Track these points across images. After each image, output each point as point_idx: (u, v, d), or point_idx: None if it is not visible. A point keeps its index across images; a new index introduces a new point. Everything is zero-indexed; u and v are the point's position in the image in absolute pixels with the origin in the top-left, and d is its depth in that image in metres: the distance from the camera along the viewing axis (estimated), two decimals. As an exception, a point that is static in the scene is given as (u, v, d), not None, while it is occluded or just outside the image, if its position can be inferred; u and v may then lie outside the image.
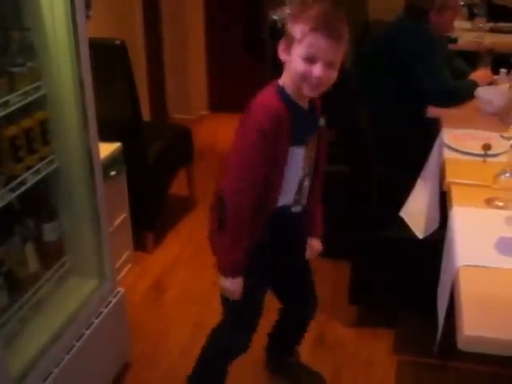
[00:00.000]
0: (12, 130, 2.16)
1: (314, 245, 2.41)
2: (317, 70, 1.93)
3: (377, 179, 2.88)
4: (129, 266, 3.60)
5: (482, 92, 3.31)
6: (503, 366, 2.69)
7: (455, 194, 2.33)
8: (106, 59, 3.21)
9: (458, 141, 2.79)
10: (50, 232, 2.49)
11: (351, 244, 2.98)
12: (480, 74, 3.61)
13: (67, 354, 2.33)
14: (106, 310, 2.59)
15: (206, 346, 2.52)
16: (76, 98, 2.33)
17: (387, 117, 3.38)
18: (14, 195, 2.17)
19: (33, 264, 2.41)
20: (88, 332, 2.46)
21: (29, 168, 2.25)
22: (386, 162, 3.08)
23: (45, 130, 2.33)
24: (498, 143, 2.74)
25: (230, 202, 2.06)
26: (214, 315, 2.82)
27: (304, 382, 2.75)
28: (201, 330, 3.07)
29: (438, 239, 2.32)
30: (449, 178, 2.46)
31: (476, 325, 1.64)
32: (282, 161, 2.05)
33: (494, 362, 2.61)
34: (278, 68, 2.10)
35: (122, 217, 3.47)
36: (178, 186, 4.21)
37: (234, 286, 2.16)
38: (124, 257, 3.53)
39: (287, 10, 4.34)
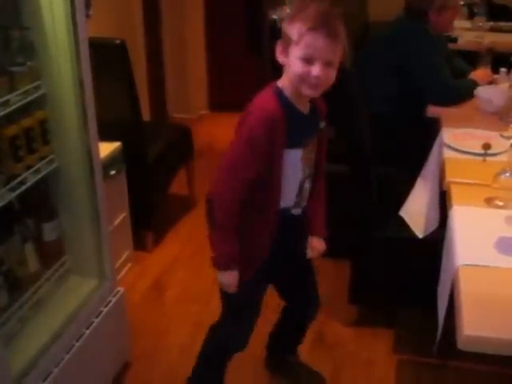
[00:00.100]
0: (12, 130, 2.16)
1: (315, 244, 2.38)
2: (315, 70, 1.92)
3: (377, 179, 2.88)
4: (129, 265, 3.60)
5: (481, 91, 3.31)
6: (503, 365, 2.69)
7: (455, 194, 2.33)
8: (106, 59, 3.21)
9: (458, 140, 2.79)
10: (49, 231, 2.49)
11: (351, 243, 2.98)
12: (480, 74, 3.61)
13: (67, 353, 2.33)
14: (105, 310, 2.59)
15: (204, 344, 2.53)
16: (76, 98, 2.33)
17: (387, 116, 3.39)
18: (13, 195, 2.17)
19: (33, 263, 2.41)
20: (88, 331, 2.46)
21: (29, 167, 2.25)
22: (386, 161, 3.09)
23: (45, 129, 2.33)
24: (498, 142, 2.74)
25: (217, 198, 2.09)
26: (213, 314, 2.82)
27: (304, 382, 2.75)
28: (201, 330, 3.06)
29: (438, 239, 2.32)
30: (448, 178, 2.46)
31: (476, 324, 1.64)
32: (277, 162, 2.05)
33: (494, 361, 2.61)
34: (277, 69, 2.09)
35: (121, 216, 3.47)
36: (178, 186, 4.21)
37: (228, 279, 2.18)
38: (124, 256, 3.53)
39: (287, 10, 4.34)
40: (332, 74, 1.97)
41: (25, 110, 2.22)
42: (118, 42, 3.28)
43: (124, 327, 2.78)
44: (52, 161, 2.38)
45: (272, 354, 2.82)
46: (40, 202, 2.47)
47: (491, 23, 5.05)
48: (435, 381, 2.77)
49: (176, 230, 4.06)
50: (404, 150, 3.26)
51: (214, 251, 2.16)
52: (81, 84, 2.30)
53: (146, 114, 4.72)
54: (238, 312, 2.38)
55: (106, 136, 2.79)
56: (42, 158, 2.33)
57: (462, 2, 4.96)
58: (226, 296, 2.30)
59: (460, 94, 3.38)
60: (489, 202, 2.25)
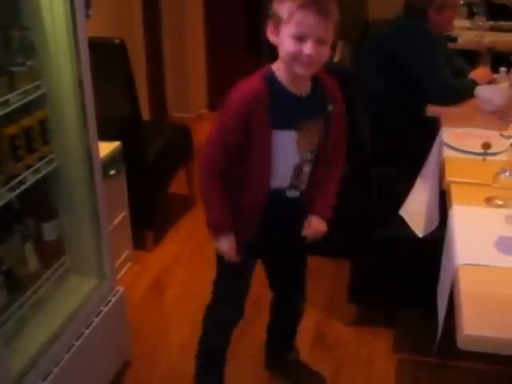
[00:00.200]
0: (12, 129, 2.16)
1: (314, 223, 2.28)
2: (307, 48, 1.91)
3: (376, 178, 2.88)
4: (128, 264, 3.60)
5: (481, 91, 3.31)
6: (503, 364, 2.69)
7: (455, 193, 2.33)
8: (106, 58, 3.21)
9: (458, 139, 2.79)
10: (49, 231, 2.48)
11: (351, 243, 2.98)
12: (480, 73, 3.61)
13: (67, 353, 2.33)
14: (105, 309, 2.59)
15: (202, 322, 2.57)
16: (75, 97, 2.32)
17: (387, 116, 3.38)
18: (13, 194, 2.17)
19: (32, 263, 2.41)
20: (88, 331, 2.46)
21: (28, 167, 2.25)
22: (386, 161, 3.09)
23: (44, 129, 2.33)
24: (498, 142, 2.74)
25: (199, 166, 2.19)
26: (213, 314, 2.83)
27: (304, 382, 2.75)
28: (200, 329, 3.08)
29: (438, 238, 2.32)
30: (448, 177, 2.46)
31: (476, 324, 1.64)
32: (262, 141, 2.06)
33: (494, 361, 2.61)
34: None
35: (121, 215, 3.47)
36: (178, 185, 4.21)
37: (222, 244, 2.22)
38: (124, 256, 3.53)
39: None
40: (325, 52, 1.96)
41: (25, 110, 2.22)
42: (117, 41, 3.28)
43: (124, 327, 2.78)
44: (52, 160, 2.38)
45: (270, 351, 2.82)
46: (40, 202, 2.47)
47: (491, 22, 5.04)
48: (435, 380, 2.77)
49: (176, 229, 4.06)
50: (404, 150, 3.26)
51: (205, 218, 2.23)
52: (80, 84, 2.30)
53: (145, 114, 4.71)
54: (226, 288, 2.45)
55: (105, 135, 2.79)
56: (42, 158, 2.33)
57: (461, 2, 4.96)
58: (218, 267, 2.41)
59: (460, 93, 3.38)
60: (489, 201, 2.25)
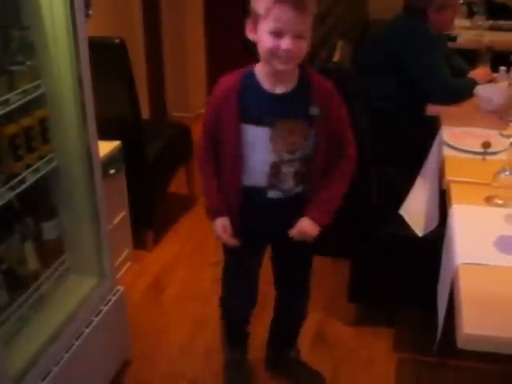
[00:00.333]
0: (12, 129, 2.16)
1: (302, 224, 2.22)
2: (285, 43, 1.92)
3: (376, 178, 2.88)
4: (128, 264, 3.60)
5: (481, 90, 3.31)
6: (503, 364, 2.69)
7: (454, 192, 2.33)
8: (106, 58, 3.21)
9: (458, 139, 2.79)
10: (49, 230, 2.48)
11: (351, 242, 2.98)
12: (479, 72, 3.61)
13: (66, 352, 2.33)
14: (105, 309, 2.59)
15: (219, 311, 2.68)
16: (75, 97, 2.32)
17: (387, 115, 3.38)
18: (13, 194, 2.17)
19: (32, 262, 2.41)
20: (87, 330, 2.46)
21: (28, 166, 2.25)
22: (386, 160, 3.09)
23: (44, 128, 2.33)
24: (498, 141, 2.74)
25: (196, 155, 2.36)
26: (213, 313, 2.84)
27: (304, 381, 2.75)
28: (200, 328, 3.09)
29: (438, 237, 2.32)
30: (448, 176, 2.46)
31: (475, 323, 1.64)
32: (231, 134, 2.10)
33: (494, 360, 2.61)
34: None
35: (121, 215, 3.47)
36: (178, 184, 4.21)
37: (216, 228, 2.27)
38: (123, 255, 3.53)
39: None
40: (304, 46, 1.96)
41: (24, 109, 2.21)
42: (117, 41, 3.27)
43: (124, 326, 2.78)
44: (51, 160, 2.38)
45: (271, 349, 2.83)
46: (40, 201, 2.47)
47: (491, 22, 5.05)
48: (435, 379, 2.77)
49: (176, 228, 4.06)
50: (404, 149, 3.26)
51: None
52: (80, 83, 2.30)
53: (145, 113, 4.71)
54: (231, 277, 2.52)
55: (105, 135, 2.80)
56: (42, 157, 2.33)
57: (461, 1, 4.96)
58: (224, 261, 2.49)
59: (459, 92, 3.38)
60: (488, 200, 2.25)
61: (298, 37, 1.93)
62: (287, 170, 2.15)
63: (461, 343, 1.62)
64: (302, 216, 2.24)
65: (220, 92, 2.12)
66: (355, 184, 2.34)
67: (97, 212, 2.52)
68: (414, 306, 3.05)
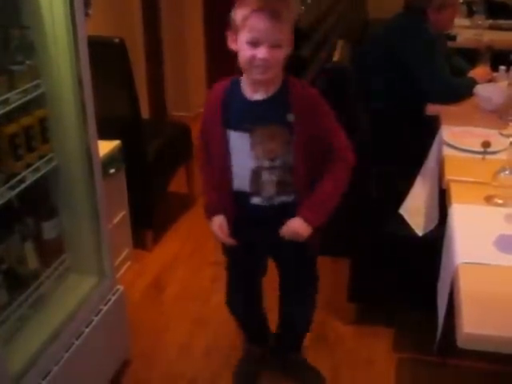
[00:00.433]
0: (11, 128, 2.16)
1: (291, 223, 2.20)
2: (261, 52, 1.94)
3: (376, 177, 2.88)
4: (128, 263, 3.60)
5: (481, 89, 3.30)
6: (503, 363, 2.69)
7: (454, 192, 2.33)
8: (106, 57, 3.20)
9: (457, 138, 2.79)
10: (49, 230, 2.48)
11: (350, 241, 2.98)
12: (479, 72, 3.61)
13: (66, 351, 2.33)
14: (105, 308, 2.59)
15: None
16: (75, 96, 2.33)
17: (387, 115, 3.38)
18: (13, 193, 2.17)
19: (32, 262, 2.41)
20: (87, 330, 2.46)
21: (28, 166, 2.25)
22: (386, 159, 3.09)
23: (44, 127, 2.33)
24: (497, 140, 2.73)
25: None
26: (213, 312, 2.84)
27: (303, 381, 2.75)
28: (200, 328, 3.08)
29: (438, 236, 2.32)
30: (448, 176, 2.46)
31: (475, 322, 1.64)
32: (215, 139, 2.16)
33: (494, 359, 2.61)
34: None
35: (121, 214, 3.48)
36: (177, 184, 4.21)
37: (212, 226, 2.30)
38: (123, 254, 3.53)
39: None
40: (281, 55, 1.98)
41: (24, 109, 2.22)
42: (117, 40, 3.27)
43: (123, 325, 2.78)
44: (51, 159, 2.38)
45: (276, 354, 2.83)
46: (39, 201, 2.47)
47: (490, 21, 5.05)
48: (435, 379, 2.77)
49: (175, 228, 4.06)
50: (403, 148, 3.26)
51: None
52: (80, 82, 2.30)
53: (145, 112, 4.71)
54: (229, 275, 2.55)
55: (105, 134, 2.80)
56: (42, 157, 2.33)
57: (461, 0, 4.96)
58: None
59: (459, 92, 3.38)
60: (488, 199, 2.25)
61: (274, 46, 1.95)
62: (268, 178, 2.17)
63: (461, 342, 1.62)
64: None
65: (209, 98, 2.20)
66: (355, 183, 2.33)
67: (97, 211, 2.52)
68: (413, 306, 3.04)
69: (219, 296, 2.73)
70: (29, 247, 2.39)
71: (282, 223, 2.22)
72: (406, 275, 2.88)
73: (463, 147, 2.71)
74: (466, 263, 1.87)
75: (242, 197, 2.22)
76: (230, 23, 2.02)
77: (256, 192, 2.19)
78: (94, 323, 2.50)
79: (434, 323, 2.05)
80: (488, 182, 2.26)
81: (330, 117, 2.18)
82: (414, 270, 2.82)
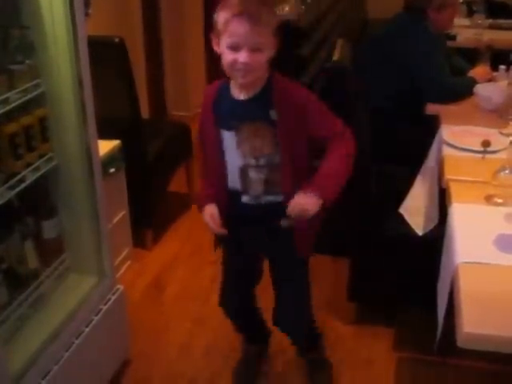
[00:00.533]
0: (11, 128, 2.16)
1: (297, 198, 2.09)
2: (242, 56, 1.95)
3: (376, 176, 2.88)
4: (128, 263, 3.60)
5: (481, 89, 3.30)
6: (503, 363, 2.69)
7: (454, 191, 2.33)
8: (105, 57, 3.20)
9: (457, 137, 2.79)
10: (49, 229, 2.49)
11: (350, 241, 2.98)
12: (479, 71, 3.61)
13: (66, 351, 2.33)
14: (105, 308, 2.59)
15: None
16: (75, 96, 2.33)
17: (387, 114, 3.38)
18: (13, 193, 2.17)
19: (32, 261, 2.41)
20: (87, 329, 2.46)
21: (28, 165, 2.25)
22: (386, 159, 3.09)
23: (44, 127, 2.33)
24: (497, 140, 2.73)
25: None
26: (213, 312, 2.84)
27: (311, 372, 2.77)
28: (200, 327, 3.09)
29: (438, 236, 2.32)
30: (448, 175, 2.46)
31: (475, 322, 1.64)
32: (208, 137, 2.21)
33: (494, 359, 2.61)
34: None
35: (121, 214, 3.48)
36: (177, 184, 4.21)
37: (204, 216, 2.27)
38: (123, 254, 3.53)
39: (286, 8, 4.34)
40: (262, 59, 2.00)
41: (24, 108, 2.22)
42: (117, 40, 3.27)
43: (123, 325, 2.78)
44: (51, 159, 2.38)
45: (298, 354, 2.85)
46: (39, 200, 2.47)
47: (490, 21, 5.05)
48: (435, 379, 2.77)
49: (175, 227, 4.06)
50: (403, 148, 3.26)
51: None
52: (80, 82, 2.30)
53: (145, 112, 4.71)
54: (222, 275, 2.55)
55: (105, 134, 2.80)
56: (42, 156, 2.33)
57: (461, 0, 4.96)
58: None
59: (459, 91, 3.38)
60: (488, 199, 2.25)
61: (255, 50, 1.96)
62: (256, 176, 2.18)
63: (461, 342, 1.62)
64: (278, 229, 2.24)
65: (204, 98, 2.22)
66: (355, 182, 2.33)
67: (96, 211, 2.52)
68: (414, 306, 3.05)
69: (219, 296, 2.74)
70: (29, 247, 2.39)
71: (270, 224, 2.23)
72: (405, 275, 2.88)
73: (463, 146, 2.71)
74: (465, 263, 1.87)
75: (234, 195, 2.24)
76: (213, 26, 2.06)
77: (245, 190, 2.21)
78: (93, 323, 2.50)
79: (433, 323, 2.05)
80: (488, 181, 2.26)
81: (322, 111, 2.15)
82: (414, 269, 2.82)
